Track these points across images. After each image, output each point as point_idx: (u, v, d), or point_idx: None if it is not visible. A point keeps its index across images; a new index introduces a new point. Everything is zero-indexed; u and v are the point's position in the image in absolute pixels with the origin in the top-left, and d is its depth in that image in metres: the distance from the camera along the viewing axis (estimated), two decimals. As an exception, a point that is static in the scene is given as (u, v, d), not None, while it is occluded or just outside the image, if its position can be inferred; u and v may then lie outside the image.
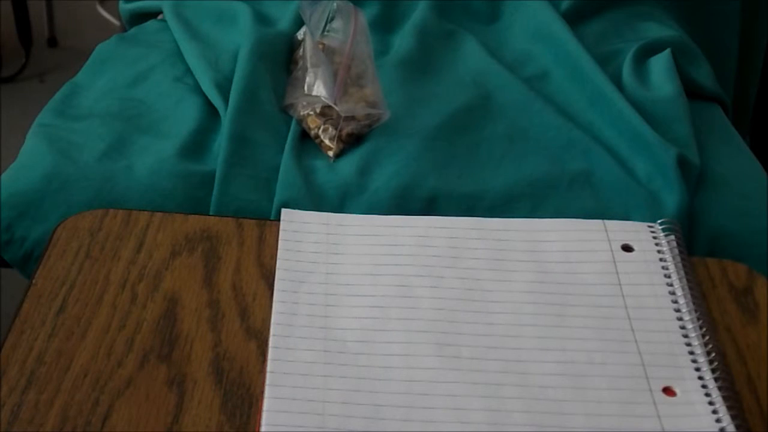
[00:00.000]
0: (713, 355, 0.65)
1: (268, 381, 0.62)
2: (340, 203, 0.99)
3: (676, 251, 0.73)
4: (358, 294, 0.69)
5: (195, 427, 0.60)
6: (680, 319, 0.68)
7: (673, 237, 0.74)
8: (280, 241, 0.74)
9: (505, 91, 1.16)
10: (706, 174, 1.06)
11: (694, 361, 0.64)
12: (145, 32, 1.32)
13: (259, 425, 0.60)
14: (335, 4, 1.12)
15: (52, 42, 2.38)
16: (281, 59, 1.19)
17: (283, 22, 1.25)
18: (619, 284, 0.70)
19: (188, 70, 1.19)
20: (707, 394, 0.62)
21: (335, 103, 1.05)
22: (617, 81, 1.17)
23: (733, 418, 0.60)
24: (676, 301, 0.69)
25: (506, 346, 0.65)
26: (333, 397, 0.61)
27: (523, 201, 1.01)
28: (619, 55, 1.23)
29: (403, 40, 1.25)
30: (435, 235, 0.75)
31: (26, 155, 1.05)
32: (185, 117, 1.10)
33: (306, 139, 1.07)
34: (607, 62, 1.21)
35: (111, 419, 0.60)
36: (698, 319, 0.67)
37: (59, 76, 2.15)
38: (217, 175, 1.01)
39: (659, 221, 0.75)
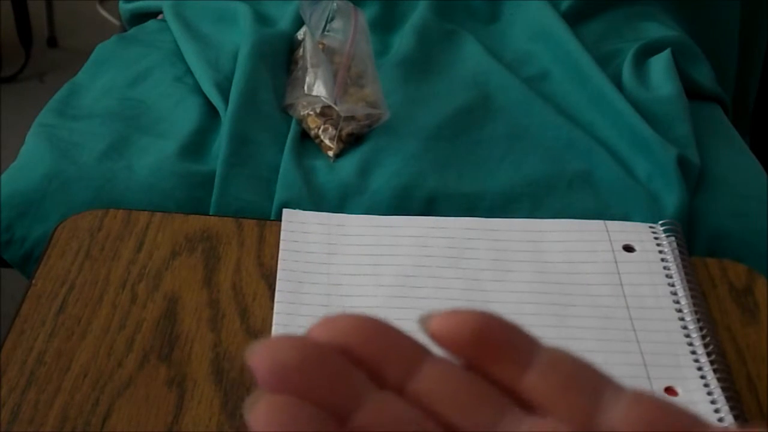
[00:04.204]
0: (715, 355, 0.65)
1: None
2: (340, 203, 0.99)
3: (677, 252, 0.72)
4: (359, 294, 0.69)
5: (195, 427, 0.60)
6: (682, 319, 0.67)
7: (674, 237, 0.74)
8: (281, 242, 0.74)
9: (505, 91, 1.16)
10: (706, 174, 1.06)
11: (696, 360, 0.64)
12: (145, 32, 1.32)
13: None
14: (335, 4, 1.12)
15: (52, 42, 2.38)
16: (281, 59, 1.19)
17: (283, 22, 1.25)
18: (621, 284, 0.70)
19: (188, 70, 1.19)
20: (709, 394, 0.62)
21: (335, 103, 1.04)
22: (617, 81, 1.17)
23: (735, 417, 0.60)
24: (677, 302, 0.69)
25: (507, 346, 0.65)
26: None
27: (523, 201, 1.01)
28: (619, 55, 1.23)
29: (403, 40, 1.25)
30: (435, 235, 0.75)
31: (26, 155, 1.05)
32: (185, 117, 1.10)
33: (306, 139, 1.07)
34: (607, 62, 1.21)
35: (111, 419, 0.60)
36: (699, 319, 0.67)
37: (59, 76, 2.15)
38: (217, 175, 1.01)
39: (660, 222, 0.75)
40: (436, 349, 0.26)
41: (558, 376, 0.25)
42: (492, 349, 0.26)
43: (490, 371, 0.26)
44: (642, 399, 0.25)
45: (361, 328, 0.25)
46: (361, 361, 0.25)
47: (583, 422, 0.25)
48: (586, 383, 0.25)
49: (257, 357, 0.24)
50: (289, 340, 0.24)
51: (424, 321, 0.26)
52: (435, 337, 0.26)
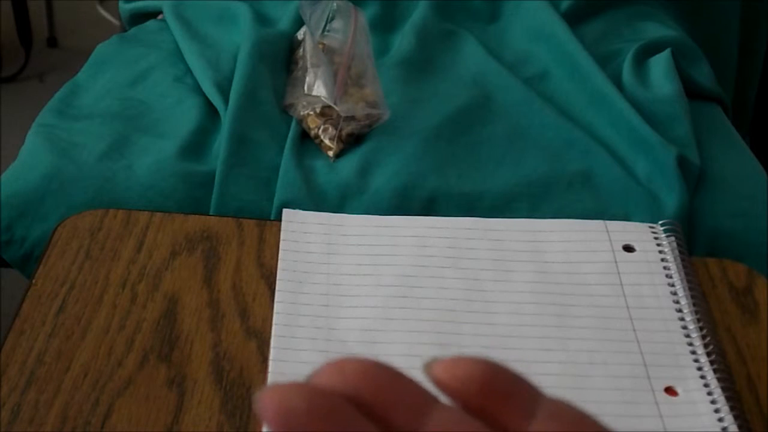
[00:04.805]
0: (715, 355, 0.65)
1: (269, 381, 0.62)
2: (340, 203, 0.99)
3: (677, 252, 0.72)
4: (359, 294, 0.69)
5: (195, 427, 0.60)
6: (682, 319, 0.67)
7: (674, 237, 0.74)
8: (281, 242, 0.74)
9: (505, 91, 1.16)
10: (706, 174, 1.06)
11: (696, 360, 0.64)
12: (145, 32, 1.32)
13: (261, 426, 0.60)
14: (335, 4, 1.12)
15: (52, 42, 2.38)
16: (281, 59, 1.19)
17: (283, 22, 1.25)
18: (621, 284, 0.70)
19: (188, 70, 1.19)
20: (709, 394, 0.62)
21: (335, 103, 1.04)
22: (617, 81, 1.17)
23: (735, 417, 0.60)
24: (677, 301, 0.69)
25: (508, 346, 0.65)
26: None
27: (523, 201, 1.01)
28: (619, 55, 1.24)
29: (403, 40, 1.25)
30: (435, 235, 0.75)
31: (26, 155, 1.05)
32: (185, 117, 1.10)
33: (306, 139, 1.07)
34: (607, 62, 1.21)
35: (111, 419, 0.60)
36: (699, 319, 0.67)
37: (59, 76, 2.15)
38: (217, 175, 1.01)
39: (660, 222, 0.75)
40: (443, 395, 0.26)
41: (561, 427, 0.26)
42: (497, 398, 0.26)
43: (494, 419, 0.26)
44: None
45: (368, 374, 0.25)
46: (368, 408, 0.24)
47: None
48: None
49: (265, 401, 0.24)
50: (298, 386, 0.24)
51: (428, 367, 0.26)
52: (439, 385, 0.26)
